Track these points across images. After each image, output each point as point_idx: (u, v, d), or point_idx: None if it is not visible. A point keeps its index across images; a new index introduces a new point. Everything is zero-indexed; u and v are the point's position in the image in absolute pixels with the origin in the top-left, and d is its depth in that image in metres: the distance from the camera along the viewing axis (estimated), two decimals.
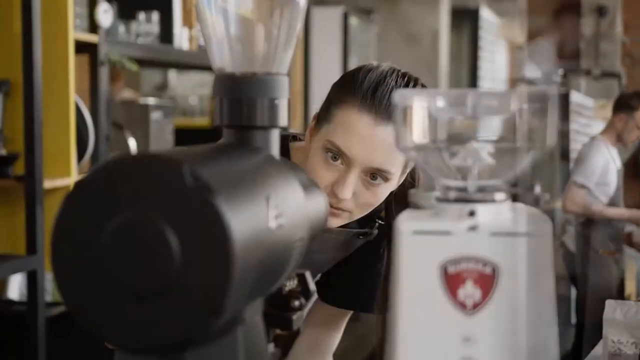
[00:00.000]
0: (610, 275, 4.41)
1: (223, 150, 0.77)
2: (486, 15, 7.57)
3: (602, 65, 9.43)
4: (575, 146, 7.40)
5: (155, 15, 3.06)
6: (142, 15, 3.08)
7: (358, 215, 1.31)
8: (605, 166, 4.27)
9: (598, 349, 2.19)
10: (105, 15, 2.68)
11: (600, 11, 9.48)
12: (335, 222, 1.30)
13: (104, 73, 2.71)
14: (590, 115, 8.12)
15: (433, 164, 0.74)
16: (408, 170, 1.35)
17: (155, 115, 3.02)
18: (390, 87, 1.26)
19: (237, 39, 0.84)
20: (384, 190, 1.29)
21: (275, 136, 0.84)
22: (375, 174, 1.26)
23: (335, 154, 1.26)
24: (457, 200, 0.71)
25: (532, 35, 10.09)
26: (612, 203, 4.38)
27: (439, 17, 5.62)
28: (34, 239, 2.34)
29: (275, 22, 0.85)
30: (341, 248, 1.44)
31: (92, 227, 0.63)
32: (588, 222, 4.39)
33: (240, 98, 0.82)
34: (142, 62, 3.16)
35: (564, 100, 7.13)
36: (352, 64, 5.76)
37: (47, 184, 2.45)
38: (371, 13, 5.11)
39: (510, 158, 0.72)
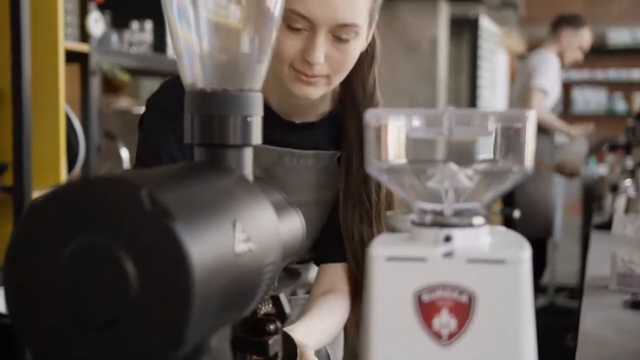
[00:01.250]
0: (548, 190, 4.45)
1: (191, 171, 0.73)
2: (486, 24, 7.54)
3: None
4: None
5: (148, 24, 3.04)
6: (135, 24, 3.05)
7: (336, 79, 1.27)
8: (554, 75, 4.38)
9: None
10: (96, 24, 2.65)
11: None
12: (315, 92, 1.27)
13: (95, 83, 2.69)
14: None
15: (408, 186, 0.71)
16: (374, 24, 1.32)
17: None
18: None
19: (209, 53, 0.81)
20: (355, 47, 1.25)
21: (248, 155, 0.81)
22: (342, 33, 1.22)
23: (297, 21, 1.21)
24: (433, 224, 0.68)
25: (531, 44, 10.10)
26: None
27: (437, 26, 5.60)
28: None
29: (248, 36, 0.82)
30: (322, 177, 1.38)
31: (46, 252, 0.60)
32: None
33: (212, 115, 0.79)
34: (136, 72, 3.13)
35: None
36: None
37: (36, 194, 2.42)
38: None
39: (489, 180, 0.70)
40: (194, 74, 0.81)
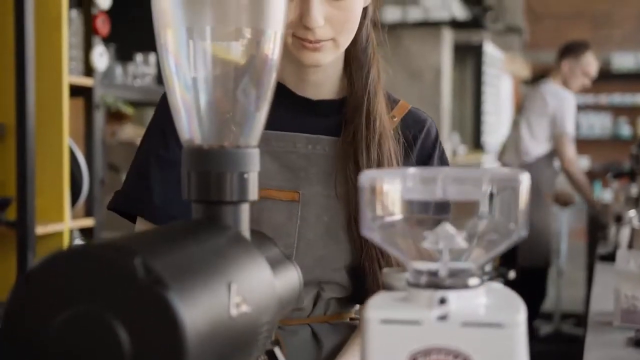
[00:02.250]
0: (548, 219, 4.44)
1: (186, 231, 0.74)
2: (490, 50, 7.56)
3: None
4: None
5: (152, 57, 3.06)
6: (139, 57, 3.07)
7: (344, 41, 1.21)
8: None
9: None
10: (100, 58, 2.67)
11: None
12: (324, 57, 1.20)
13: (98, 116, 2.70)
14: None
15: (403, 246, 0.71)
16: None
17: None
18: None
19: (206, 110, 0.81)
20: (354, 3, 1.19)
21: (245, 210, 0.81)
22: None
23: None
24: (428, 285, 0.68)
25: (536, 69, 10.14)
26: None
27: (441, 54, 5.62)
28: None
29: (245, 92, 0.82)
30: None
31: (41, 320, 0.60)
32: (534, 163, 4.42)
33: (209, 172, 0.79)
34: (140, 103, 3.15)
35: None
36: None
37: (40, 229, 2.42)
38: None
39: (484, 241, 0.69)
40: (191, 130, 0.82)
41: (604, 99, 10.22)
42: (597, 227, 4.81)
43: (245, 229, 0.81)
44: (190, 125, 0.81)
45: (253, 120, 0.82)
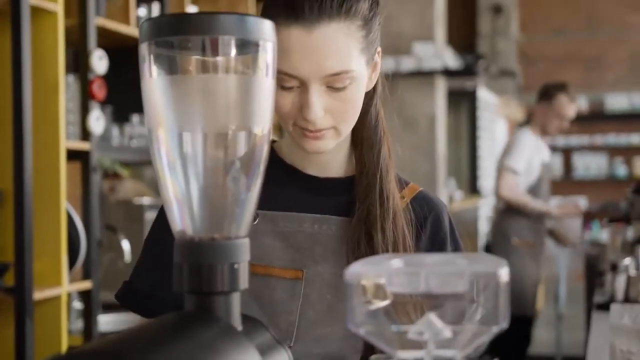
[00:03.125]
0: (524, 267, 4.40)
1: (177, 326, 0.76)
2: (483, 95, 7.64)
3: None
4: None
5: None
6: (135, 118, 3.11)
7: (345, 128, 1.20)
8: (530, 155, 4.39)
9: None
10: (97, 122, 2.71)
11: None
12: (325, 144, 1.19)
13: (95, 179, 2.73)
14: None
15: (388, 337, 0.73)
16: (379, 58, 1.24)
17: (150, 215, 3.02)
18: None
19: (197, 204, 0.84)
20: (355, 91, 1.18)
21: (236, 299, 0.84)
22: (335, 82, 1.15)
23: (286, 81, 1.15)
24: None
25: (530, 112, 10.21)
26: (531, 194, 4.43)
27: (435, 102, 5.68)
28: (23, 352, 2.32)
29: (236, 186, 0.85)
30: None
31: None
32: (507, 210, 4.42)
33: (200, 264, 0.82)
34: (137, 163, 3.19)
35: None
36: None
37: (38, 294, 2.44)
38: None
39: (467, 331, 0.72)
40: (183, 222, 0.84)
41: (599, 139, 10.29)
42: (594, 270, 4.81)
43: (236, 318, 0.83)
44: (182, 218, 0.84)
45: (243, 212, 0.85)
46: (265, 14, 1.17)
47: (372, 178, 1.26)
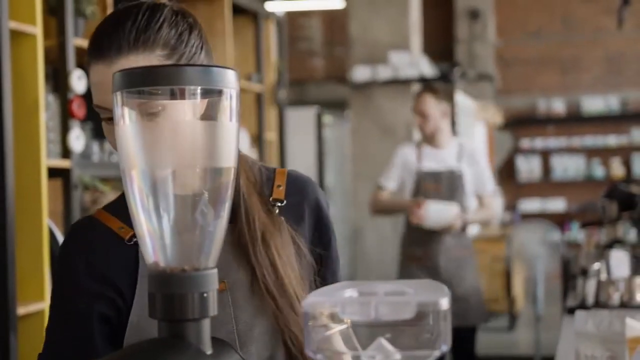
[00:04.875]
0: (465, 277, 4.19)
1: (150, 352, 0.83)
2: (461, 100, 7.73)
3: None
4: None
5: None
6: None
7: None
8: (402, 166, 4.20)
9: None
10: (77, 141, 2.77)
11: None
12: None
13: (76, 196, 2.79)
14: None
15: None
16: None
17: None
18: (119, 16, 1.22)
19: (168, 238, 0.91)
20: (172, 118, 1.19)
21: (206, 325, 0.91)
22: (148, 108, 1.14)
23: (103, 112, 1.22)
24: None
25: (508, 115, 10.35)
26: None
27: (412, 109, 5.76)
28: None
29: (203, 221, 0.92)
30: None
31: None
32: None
33: (172, 293, 0.89)
34: (118, 178, 3.25)
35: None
36: (328, 159, 5.89)
37: (21, 310, 2.50)
38: (345, 109, 5.25)
39: (415, 355, 0.79)
40: (155, 255, 0.91)
41: (576, 141, 10.42)
42: (570, 271, 4.88)
43: (206, 343, 0.90)
44: (154, 251, 0.91)
45: (211, 244, 0.92)
46: (86, 57, 1.25)
47: (236, 204, 1.28)
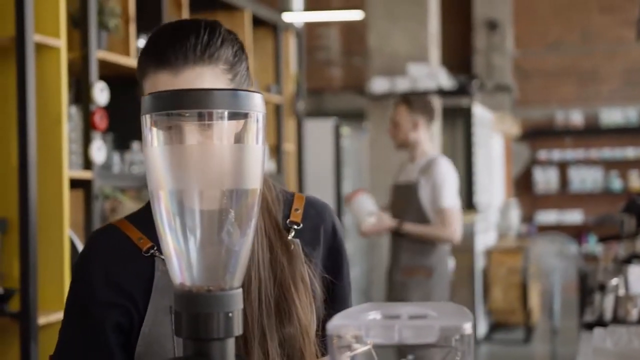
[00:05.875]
0: (433, 295, 3.98)
1: None
2: (479, 111, 7.73)
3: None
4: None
5: None
6: (136, 145, 3.20)
7: None
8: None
9: None
10: (98, 152, 2.80)
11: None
12: None
13: (97, 207, 2.82)
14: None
15: None
16: None
17: None
18: (180, 29, 1.24)
19: (194, 257, 0.93)
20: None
21: (231, 344, 0.92)
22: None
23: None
24: None
25: (526, 126, 10.33)
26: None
27: None
28: None
29: (230, 240, 0.94)
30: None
31: None
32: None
33: (198, 313, 0.90)
34: (137, 188, 3.28)
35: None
36: (346, 171, 5.90)
37: (42, 319, 2.52)
38: (363, 120, 5.26)
39: None
40: (182, 275, 0.93)
41: (594, 153, 10.38)
42: (587, 285, 4.86)
43: None
44: (180, 271, 0.93)
45: (236, 264, 0.93)
46: (140, 62, 1.27)
47: None
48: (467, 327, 0.78)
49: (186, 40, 1.22)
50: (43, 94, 2.60)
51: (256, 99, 0.91)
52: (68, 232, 2.64)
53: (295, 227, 1.34)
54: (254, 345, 1.25)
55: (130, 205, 3.97)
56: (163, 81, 1.22)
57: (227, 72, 1.26)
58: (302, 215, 1.36)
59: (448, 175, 4.00)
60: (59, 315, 2.62)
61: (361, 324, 0.80)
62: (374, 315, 0.83)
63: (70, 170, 2.69)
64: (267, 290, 1.28)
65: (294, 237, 1.33)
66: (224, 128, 0.90)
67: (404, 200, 4.06)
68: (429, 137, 4.17)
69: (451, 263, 4.16)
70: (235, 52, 1.28)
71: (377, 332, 0.80)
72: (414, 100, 4.13)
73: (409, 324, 0.79)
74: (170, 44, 1.22)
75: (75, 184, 2.76)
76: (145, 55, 1.26)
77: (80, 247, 2.70)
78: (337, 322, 0.81)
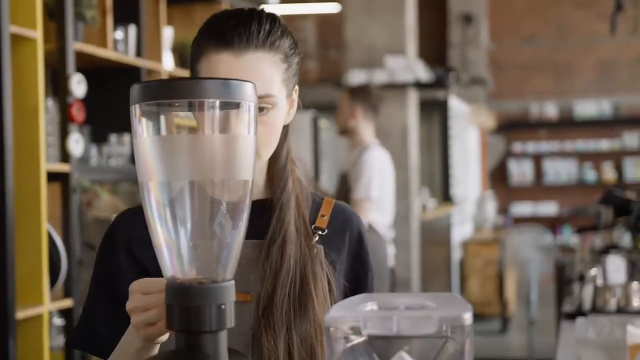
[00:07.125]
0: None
1: None
2: (455, 104, 7.75)
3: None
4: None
5: (126, 137, 3.16)
6: (113, 138, 3.17)
7: (265, 153, 1.26)
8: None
9: None
10: (76, 145, 2.76)
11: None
12: None
13: (75, 200, 2.79)
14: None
15: None
16: (296, 96, 1.32)
17: None
18: (243, 15, 1.25)
19: (185, 250, 0.91)
20: (276, 118, 1.26)
21: (223, 337, 0.91)
22: (260, 103, 1.19)
23: None
24: None
25: (501, 118, 10.37)
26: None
27: (407, 113, 5.77)
28: None
29: (221, 233, 0.92)
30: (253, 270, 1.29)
31: None
32: None
33: (189, 305, 0.89)
34: (115, 181, 3.25)
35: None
36: (324, 164, 5.88)
37: (20, 314, 2.49)
38: None
39: None
40: (173, 268, 0.91)
41: (568, 145, 10.45)
42: (564, 275, 4.88)
43: (223, 354, 0.90)
44: (172, 263, 0.91)
45: (229, 256, 0.92)
46: (197, 43, 1.27)
47: (274, 206, 1.31)
48: (467, 318, 0.77)
49: (250, 25, 1.24)
50: (19, 86, 2.56)
51: (248, 88, 0.89)
52: (46, 226, 2.61)
53: (320, 232, 1.34)
54: (281, 335, 1.25)
55: (107, 199, 3.94)
56: (224, 61, 1.22)
57: (283, 62, 1.27)
58: (328, 221, 1.36)
59: (368, 165, 3.98)
60: (37, 310, 2.59)
61: (359, 315, 0.79)
62: (371, 306, 0.82)
63: (47, 163, 2.66)
64: (295, 284, 1.28)
65: (317, 242, 1.32)
66: (215, 118, 0.89)
67: (340, 189, 4.11)
68: (369, 128, 4.15)
69: (390, 249, 4.10)
70: (291, 44, 1.29)
71: (375, 323, 0.79)
72: (356, 90, 4.21)
73: (407, 315, 0.78)
74: (234, 27, 1.23)
75: (52, 177, 2.73)
76: (206, 35, 1.26)
77: (58, 240, 2.67)
78: (335, 314, 0.80)
